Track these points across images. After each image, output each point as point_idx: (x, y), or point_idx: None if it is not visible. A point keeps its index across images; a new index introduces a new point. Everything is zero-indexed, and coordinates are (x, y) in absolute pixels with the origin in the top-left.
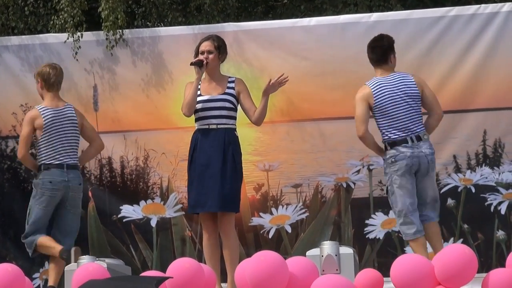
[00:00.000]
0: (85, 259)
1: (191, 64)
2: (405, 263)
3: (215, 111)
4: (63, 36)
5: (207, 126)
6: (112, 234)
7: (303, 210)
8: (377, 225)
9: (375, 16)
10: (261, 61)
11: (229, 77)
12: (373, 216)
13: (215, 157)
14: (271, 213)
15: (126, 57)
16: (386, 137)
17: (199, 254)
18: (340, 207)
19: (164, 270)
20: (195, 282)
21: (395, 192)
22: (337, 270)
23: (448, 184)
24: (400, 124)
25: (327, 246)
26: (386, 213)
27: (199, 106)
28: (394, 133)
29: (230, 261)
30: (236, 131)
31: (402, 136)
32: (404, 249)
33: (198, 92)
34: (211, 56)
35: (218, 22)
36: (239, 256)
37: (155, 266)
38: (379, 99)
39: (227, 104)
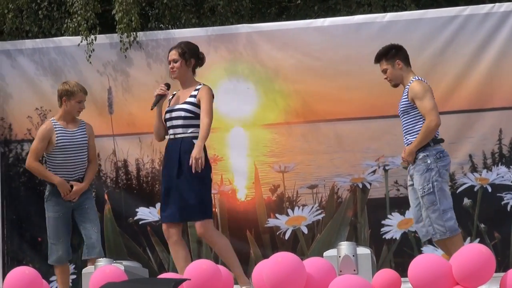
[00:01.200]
0: (102, 262)
1: (153, 108)
2: (422, 263)
3: (173, 121)
4: (77, 39)
5: (170, 136)
6: (129, 236)
7: (319, 211)
8: (394, 226)
9: (389, 16)
10: (275, 62)
11: (199, 84)
12: (389, 216)
13: (171, 167)
14: (287, 214)
15: (140, 59)
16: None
17: (216, 256)
18: (356, 208)
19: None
20: (213, 284)
21: (442, 187)
22: (354, 270)
23: (464, 183)
24: None
25: (344, 247)
26: (403, 214)
27: (166, 116)
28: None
29: (227, 262)
30: (197, 138)
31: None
32: (421, 249)
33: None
34: (176, 64)
35: (232, 23)
36: (255, 257)
37: (172, 269)
38: None
39: (182, 114)
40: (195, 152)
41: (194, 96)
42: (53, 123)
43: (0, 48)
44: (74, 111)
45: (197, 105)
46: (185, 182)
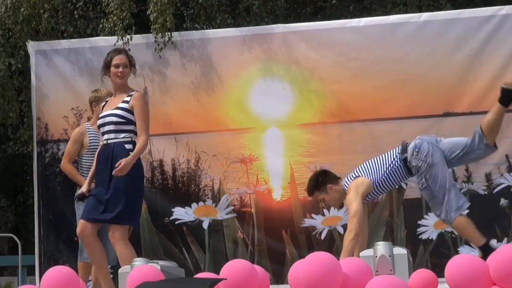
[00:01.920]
0: (138, 262)
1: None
2: (459, 263)
3: (106, 127)
4: (113, 39)
5: (105, 141)
6: (165, 236)
7: None
8: (430, 226)
9: (424, 16)
10: (310, 62)
11: (132, 90)
12: (425, 216)
13: (103, 172)
14: (323, 214)
15: (175, 59)
16: None
17: (251, 256)
18: (392, 208)
19: (217, 272)
20: (249, 284)
21: (434, 174)
22: (391, 270)
23: (500, 184)
24: None
25: (381, 247)
26: None
27: (98, 121)
28: None
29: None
30: (130, 143)
31: None
32: (458, 249)
33: (102, 113)
34: (126, 70)
35: (267, 23)
36: (291, 257)
37: (207, 268)
38: None
39: (114, 119)
40: (126, 160)
41: (127, 102)
42: (86, 127)
43: (36, 48)
44: None
45: (130, 111)
46: (113, 186)
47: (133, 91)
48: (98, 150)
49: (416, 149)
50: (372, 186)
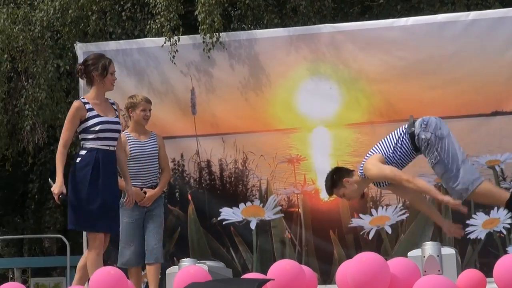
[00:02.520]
0: (186, 262)
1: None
2: (508, 263)
3: (112, 133)
4: (160, 40)
5: (107, 147)
6: (212, 236)
7: (403, 211)
8: (478, 225)
9: (473, 14)
10: (358, 62)
11: (109, 99)
12: (474, 216)
13: (109, 178)
14: (371, 214)
15: (223, 60)
16: None
17: (299, 256)
18: (441, 208)
19: (264, 272)
20: (297, 284)
21: (447, 149)
22: (439, 270)
23: None
24: None
25: (429, 247)
26: (487, 213)
27: (101, 126)
28: None
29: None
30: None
31: None
32: (506, 249)
33: (95, 112)
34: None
35: (314, 23)
36: (339, 257)
37: (255, 269)
38: None
39: (120, 128)
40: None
41: (116, 110)
42: (126, 135)
43: (84, 49)
44: (141, 119)
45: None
46: (115, 195)
47: (110, 99)
48: (96, 155)
49: (424, 122)
50: (384, 159)
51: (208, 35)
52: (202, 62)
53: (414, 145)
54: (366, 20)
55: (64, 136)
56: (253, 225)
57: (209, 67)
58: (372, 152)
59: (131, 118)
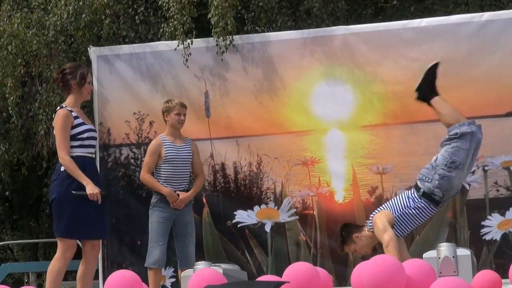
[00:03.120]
0: (201, 265)
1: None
2: None
3: (95, 141)
4: (174, 43)
5: (90, 155)
6: (227, 239)
7: None
8: (494, 226)
9: (486, 15)
10: (372, 63)
11: None
12: (489, 217)
13: (97, 185)
14: None
15: (236, 63)
16: None
17: (314, 258)
18: (456, 209)
19: (279, 275)
20: (312, 286)
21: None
22: (454, 272)
23: None
24: None
25: (444, 248)
26: (503, 214)
27: (88, 134)
28: None
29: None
30: None
31: None
32: None
33: (80, 120)
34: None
35: (328, 25)
36: (354, 259)
37: (270, 271)
38: None
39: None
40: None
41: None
42: (162, 139)
43: (98, 53)
44: (175, 123)
45: None
46: (104, 203)
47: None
48: (83, 162)
49: (421, 175)
50: (393, 218)
51: (221, 38)
52: (216, 65)
53: (433, 201)
54: (380, 21)
55: (66, 144)
56: (268, 228)
57: (223, 70)
58: (381, 208)
59: (166, 122)
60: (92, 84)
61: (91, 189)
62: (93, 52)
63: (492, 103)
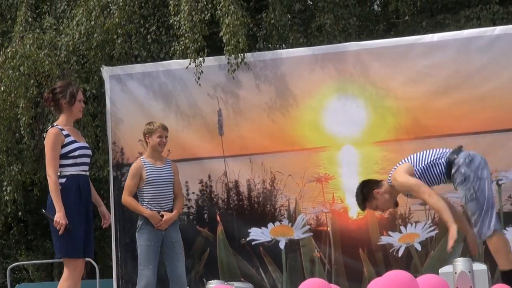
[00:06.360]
0: (213, 284)
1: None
2: None
3: (88, 159)
4: (186, 62)
5: (85, 173)
6: (241, 257)
7: (433, 227)
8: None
9: (498, 29)
10: (384, 79)
11: None
12: (504, 231)
13: (88, 205)
14: (400, 232)
15: (248, 80)
16: None
17: (329, 275)
18: (470, 223)
19: None
20: None
21: (482, 188)
22: (471, 287)
23: None
24: None
25: (460, 263)
26: None
27: (80, 152)
28: None
29: None
30: None
31: None
32: None
33: (72, 138)
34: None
35: (340, 42)
36: (369, 275)
37: None
38: None
39: (91, 153)
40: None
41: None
42: (142, 161)
43: (110, 73)
44: (156, 145)
45: None
46: (92, 220)
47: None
48: (78, 181)
49: (470, 158)
50: (413, 171)
51: (233, 55)
52: (228, 83)
53: (449, 173)
54: (392, 37)
55: (55, 164)
56: (282, 245)
57: (235, 88)
58: (401, 162)
59: (147, 144)
60: (81, 101)
61: (60, 217)
62: (106, 72)
63: (505, 116)
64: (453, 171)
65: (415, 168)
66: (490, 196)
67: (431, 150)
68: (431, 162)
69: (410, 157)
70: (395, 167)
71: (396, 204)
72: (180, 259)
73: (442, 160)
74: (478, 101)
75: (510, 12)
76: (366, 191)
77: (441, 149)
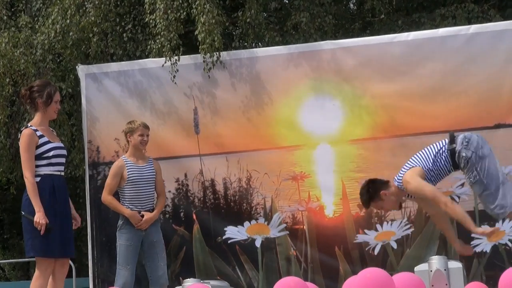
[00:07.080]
0: (189, 282)
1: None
2: None
3: (62, 159)
4: (161, 60)
5: (59, 173)
6: (218, 255)
7: (408, 226)
8: (484, 239)
9: (473, 28)
10: (360, 78)
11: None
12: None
13: (63, 204)
14: (376, 230)
15: (224, 79)
16: None
17: (305, 273)
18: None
19: None
20: None
21: (488, 168)
22: (446, 284)
23: None
24: None
25: (436, 261)
26: (492, 226)
27: (54, 152)
28: None
29: None
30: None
31: None
32: None
33: (46, 139)
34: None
35: (316, 40)
36: (345, 273)
37: (261, 286)
38: None
39: (66, 153)
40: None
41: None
42: (124, 160)
43: (86, 71)
44: (138, 143)
45: None
46: (70, 219)
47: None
48: (52, 181)
49: (466, 140)
50: (424, 173)
51: (209, 54)
52: (204, 82)
53: (454, 162)
54: (368, 36)
55: (31, 165)
56: (258, 243)
57: (211, 86)
58: (410, 164)
59: (129, 143)
60: (57, 103)
61: (39, 217)
62: (81, 70)
63: (481, 115)
64: (456, 158)
65: (424, 169)
66: (496, 172)
67: (430, 147)
68: (436, 157)
69: (415, 159)
70: (403, 170)
71: (400, 206)
72: (160, 259)
73: (445, 153)
74: (454, 100)
75: (485, 11)
76: (373, 191)
77: (438, 142)
